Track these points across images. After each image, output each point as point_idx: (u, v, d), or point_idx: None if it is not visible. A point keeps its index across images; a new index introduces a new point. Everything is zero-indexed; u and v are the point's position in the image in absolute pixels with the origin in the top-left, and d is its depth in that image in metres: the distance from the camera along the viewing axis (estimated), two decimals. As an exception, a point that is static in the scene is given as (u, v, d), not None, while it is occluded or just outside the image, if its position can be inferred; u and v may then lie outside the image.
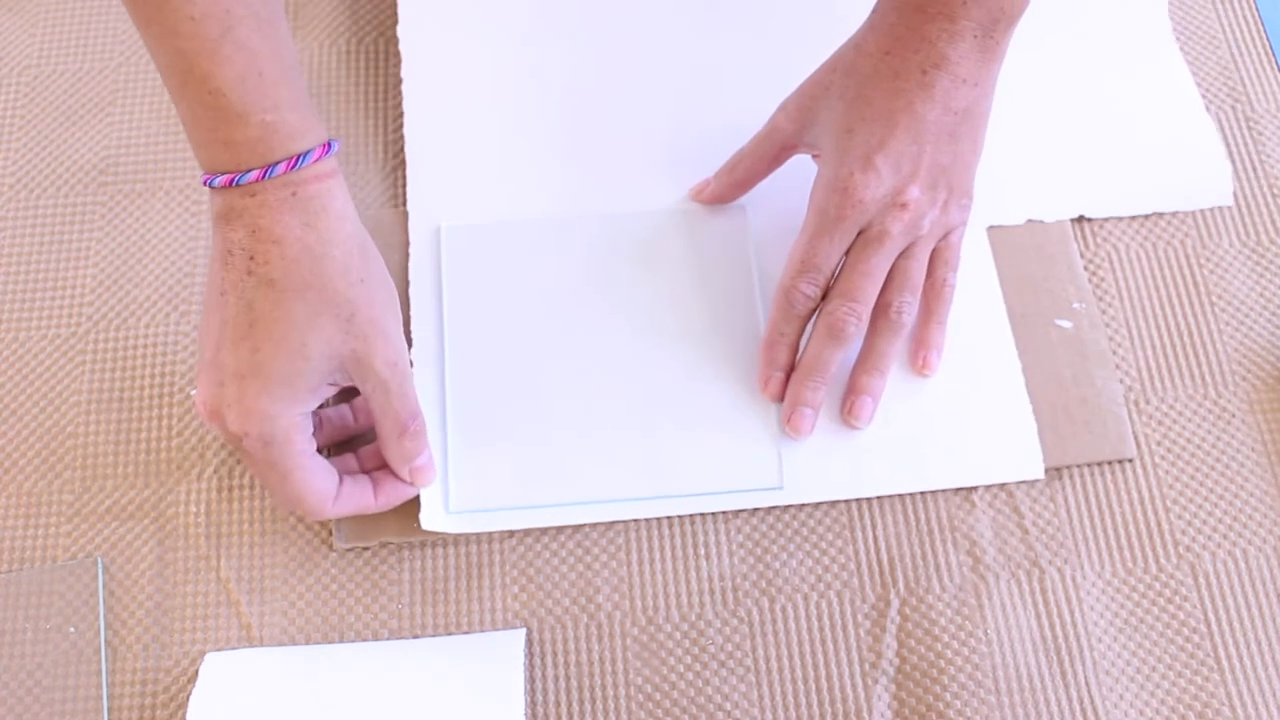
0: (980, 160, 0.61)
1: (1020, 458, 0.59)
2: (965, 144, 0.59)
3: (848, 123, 0.58)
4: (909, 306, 0.59)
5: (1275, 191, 0.66)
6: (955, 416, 0.60)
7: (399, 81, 0.70)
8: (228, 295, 0.52)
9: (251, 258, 0.52)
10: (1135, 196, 0.66)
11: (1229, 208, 0.66)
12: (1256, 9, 0.71)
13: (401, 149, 0.68)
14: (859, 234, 0.58)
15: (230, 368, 0.52)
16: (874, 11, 0.60)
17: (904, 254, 0.59)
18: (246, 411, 0.52)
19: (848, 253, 0.59)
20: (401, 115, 0.69)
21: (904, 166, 0.58)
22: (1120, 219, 0.65)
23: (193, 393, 0.62)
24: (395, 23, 0.72)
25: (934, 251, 0.61)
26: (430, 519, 0.58)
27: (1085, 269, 0.64)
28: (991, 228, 0.65)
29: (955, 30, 0.57)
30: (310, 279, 0.52)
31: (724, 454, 0.59)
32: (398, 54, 0.71)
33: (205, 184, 0.53)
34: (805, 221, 0.59)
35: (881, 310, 0.59)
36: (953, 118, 0.58)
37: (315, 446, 0.55)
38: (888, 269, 0.59)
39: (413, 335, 0.63)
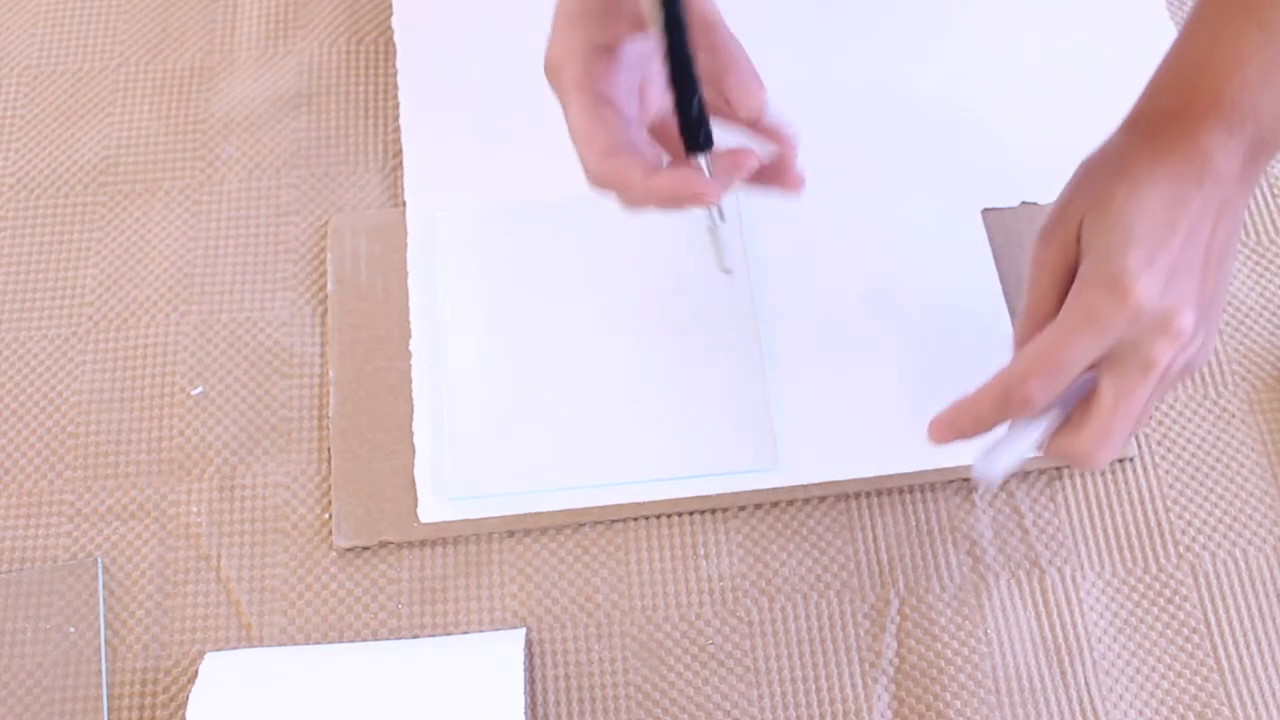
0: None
1: None
2: (1223, 278, 0.52)
3: (1126, 221, 0.50)
4: (1117, 450, 0.51)
5: (1275, 191, 0.66)
6: (951, 398, 0.60)
7: (398, 81, 0.70)
8: None
9: None
10: None
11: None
12: (1256, 9, 0.71)
13: (401, 149, 0.68)
14: (1114, 348, 0.50)
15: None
16: (1133, 115, 0.54)
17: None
18: (548, 42, 0.52)
19: (1096, 366, 0.50)
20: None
21: (1183, 284, 0.49)
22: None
23: (194, 392, 0.62)
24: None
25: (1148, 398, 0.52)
26: (428, 510, 0.59)
27: (1085, 269, 0.64)
28: (986, 210, 0.65)
29: (1231, 146, 0.51)
30: None
31: (719, 436, 0.60)
32: (396, 53, 0.71)
33: None
34: (1063, 313, 0.50)
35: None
36: (1218, 244, 0.51)
37: (611, 88, 0.51)
38: (1140, 397, 0.50)
39: (411, 324, 0.63)
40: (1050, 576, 0.57)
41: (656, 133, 0.54)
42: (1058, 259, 0.53)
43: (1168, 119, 0.52)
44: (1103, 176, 0.52)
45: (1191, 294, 0.50)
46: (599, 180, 0.50)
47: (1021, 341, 0.54)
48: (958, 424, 0.52)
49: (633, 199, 0.50)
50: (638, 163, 0.50)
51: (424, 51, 0.71)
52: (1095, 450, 0.50)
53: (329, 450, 0.61)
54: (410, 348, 0.63)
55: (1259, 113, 0.51)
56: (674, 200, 0.50)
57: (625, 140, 0.51)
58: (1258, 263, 0.64)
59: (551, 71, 0.52)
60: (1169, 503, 0.59)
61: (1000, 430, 0.52)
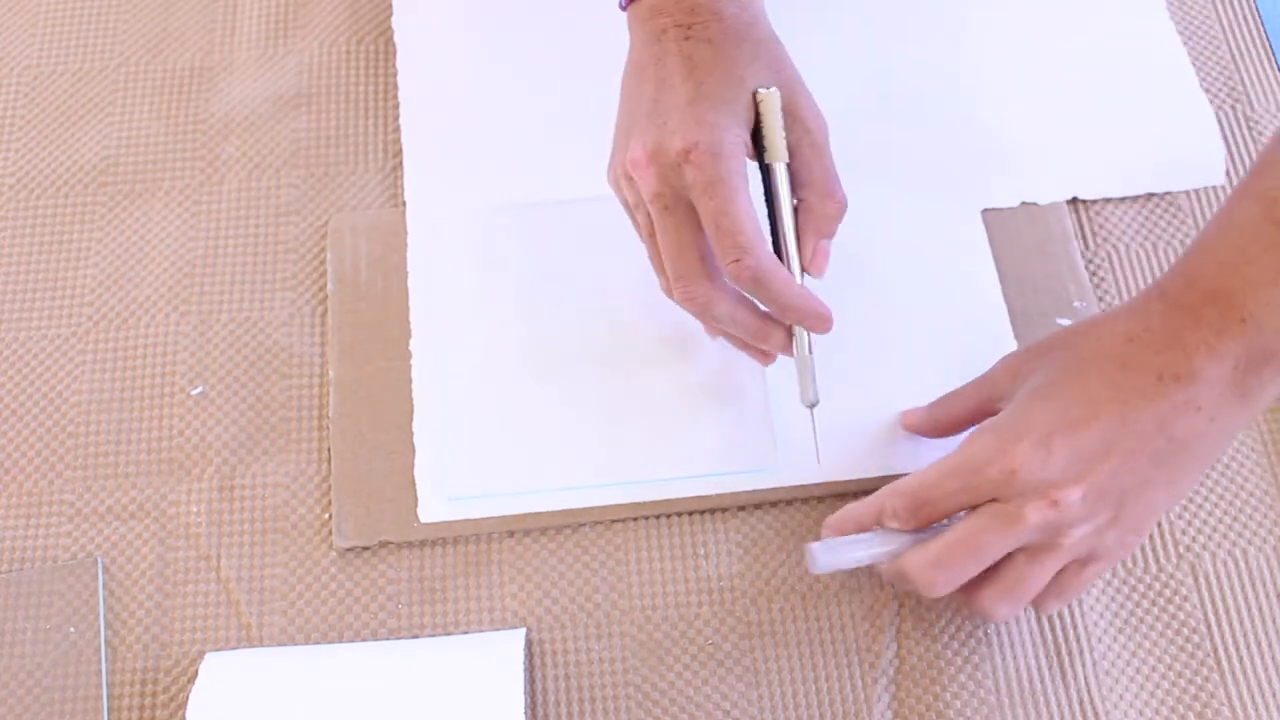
0: (1167, 508, 0.52)
1: None
2: (1162, 478, 0.49)
3: (1049, 389, 0.50)
4: (1001, 613, 0.52)
5: (1275, 191, 0.66)
6: None
7: (398, 81, 0.70)
8: (665, 60, 0.55)
9: (689, 27, 0.55)
10: (1128, 177, 0.66)
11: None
12: (1256, 9, 0.71)
13: (401, 149, 0.68)
14: (992, 499, 0.49)
15: (673, 103, 0.54)
16: (1142, 294, 0.52)
17: (1028, 553, 0.50)
18: (696, 124, 0.53)
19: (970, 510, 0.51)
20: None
21: (1078, 464, 0.48)
22: (1116, 202, 0.66)
23: (194, 392, 0.62)
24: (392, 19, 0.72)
25: (1064, 576, 0.51)
26: (429, 510, 0.59)
27: (1086, 267, 0.64)
28: (986, 210, 0.65)
29: (1219, 349, 0.48)
30: (744, 37, 0.55)
31: (719, 435, 0.60)
32: (396, 53, 0.71)
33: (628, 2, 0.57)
34: (954, 450, 0.51)
35: (968, 590, 0.51)
36: (1164, 442, 0.48)
37: None
38: (1000, 555, 0.50)
39: (412, 325, 0.63)
40: (1050, 576, 0.57)
41: None
42: (998, 383, 0.55)
43: (1165, 303, 0.50)
44: (1078, 333, 0.52)
45: (1088, 475, 0.48)
46: (759, 267, 0.52)
47: (935, 408, 0.58)
48: (843, 529, 0.54)
49: (780, 294, 0.53)
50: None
51: (424, 51, 0.71)
52: (923, 570, 0.50)
53: (329, 450, 0.61)
54: (410, 347, 0.63)
55: (1261, 318, 0.47)
56: (809, 302, 0.54)
57: None
58: (1258, 262, 0.64)
59: (710, 156, 0.52)
60: (1169, 503, 0.59)
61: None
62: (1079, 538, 0.49)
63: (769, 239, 0.54)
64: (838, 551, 0.52)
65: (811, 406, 0.56)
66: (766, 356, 0.58)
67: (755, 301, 0.55)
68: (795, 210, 0.56)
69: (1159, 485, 0.49)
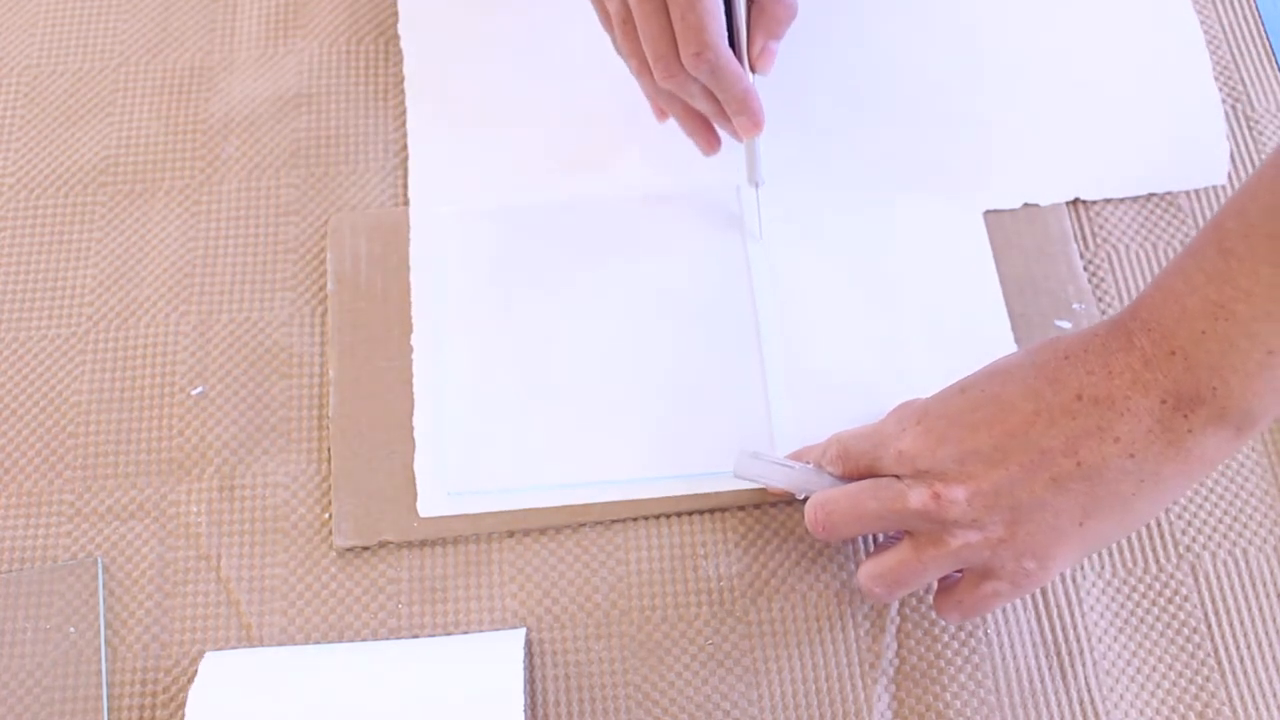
0: (1078, 549, 0.48)
1: None
2: (1068, 507, 0.47)
3: (971, 384, 0.50)
4: (875, 591, 0.52)
5: (1276, 191, 0.66)
6: None
7: (399, 81, 0.70)
8: None
9: None
10: (1131, 177, 0.66)
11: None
12: (1256, 9, 0.71)
13: (403, 147, 0.68)
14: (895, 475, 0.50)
15: None
16: (1106, 319, 0.50)
17: (914, 540, 0.50)
18: None
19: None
20: (402, 114, 0.69)
21: (967, 464, 0.48)
22: (1116, 203, 0.66)
23: (194, 392, 0.62)
24: (395, 22, 0.72)
25: (959, 586, 0.52)
26: (428, 505, 0.59)
27: (1085, 269, 0.64)
28: (989, 212, 0.65)
29: (1144, 377, 0.46)
30: None
31: (719, 436, 0.60)
32: (397, 53, 0.71)
33: None
34: (880, 420, 0.53)
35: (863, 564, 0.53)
36: (1071, 465, 0.46)
37: None
38: (879, 527, 0.51)
39: (413, 320, 0.63)
40: (1050, 576, 0.57)
41: None
42: None
43: (1110, 326, 0.48)
44: (1033, 345, 0.50)
45: (985, 482, 0.47)
46: (718, 63, 0.57)
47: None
48: (799, 459, 0.56)
49: (730, 88, 0.58)
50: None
51: (430, 55, 0.71)
52: (811, 507, 0.53)
53: (329, 450, 0.61)
54: (412, 342, 0.63)
55: (1191, 353, 0.45)
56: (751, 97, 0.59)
57: None
58: (1258, 262, 0.64)
59: None
60: (1169, 503, 0.59)
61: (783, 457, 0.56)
62: (967, 544, 0.48)
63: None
64: (763, 468, 0.55)
65: (757, 186, 0.63)
66: (711, 145, 0.63)
67: None
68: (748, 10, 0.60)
69: (1064, 515, 0.47)
